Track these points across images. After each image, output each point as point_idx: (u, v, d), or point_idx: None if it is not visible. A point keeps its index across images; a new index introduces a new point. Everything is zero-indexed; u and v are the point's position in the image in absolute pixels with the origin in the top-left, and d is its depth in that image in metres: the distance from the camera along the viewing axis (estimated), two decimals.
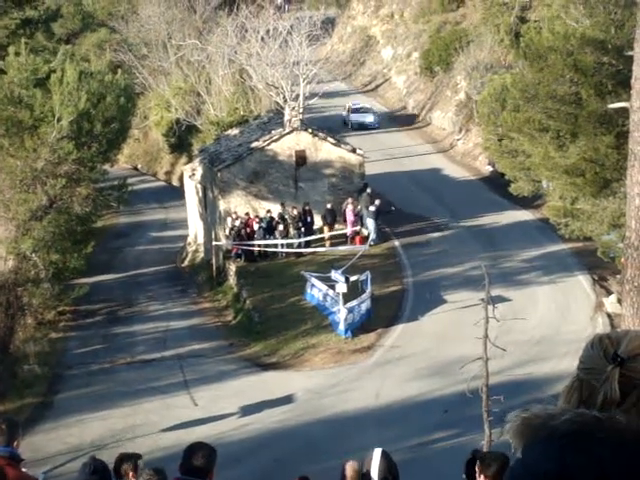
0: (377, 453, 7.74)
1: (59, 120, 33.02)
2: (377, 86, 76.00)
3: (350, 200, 42.90)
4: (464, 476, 7.76)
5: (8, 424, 7.50)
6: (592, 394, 2.93)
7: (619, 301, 28.91)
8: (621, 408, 2.89)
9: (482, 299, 22.57)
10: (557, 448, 2.89)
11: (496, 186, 47.49)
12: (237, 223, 42.19)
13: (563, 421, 2.89)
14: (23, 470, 7.70)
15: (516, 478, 3.03)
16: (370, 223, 42.69)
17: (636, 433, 2.83)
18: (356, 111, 65.43)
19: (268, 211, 42.79)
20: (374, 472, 7.63)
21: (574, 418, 2.88)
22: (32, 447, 24.29)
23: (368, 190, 43.71)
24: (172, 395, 30.29)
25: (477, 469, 7.38)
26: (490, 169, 51.66)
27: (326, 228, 42.86)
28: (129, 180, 46.11)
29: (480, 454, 7.65)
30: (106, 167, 42.10)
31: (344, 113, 65.83)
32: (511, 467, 3.12)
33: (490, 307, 21.19)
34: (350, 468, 8.24)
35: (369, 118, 64.72)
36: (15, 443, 7.48)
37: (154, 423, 27.84)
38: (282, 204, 42.91)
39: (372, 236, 42.33)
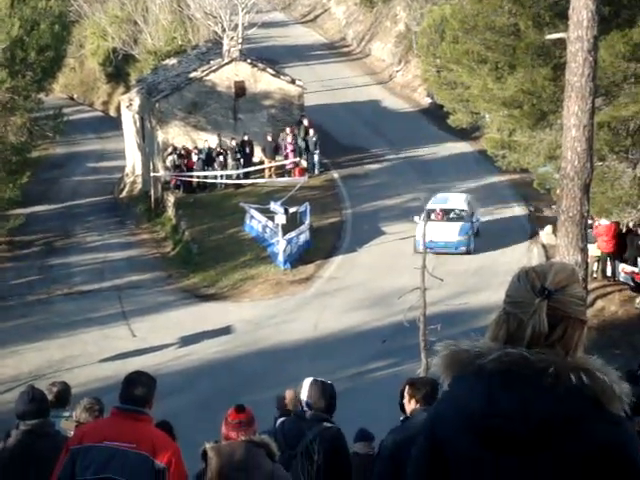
0: (307, 382, 7.90)
1: None
2: (316, 17, 75.32)
3: (288, 131, 42.75)
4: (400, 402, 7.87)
5: None
6: (520, 327, 2.98)
7: (554, 232, 29.31)
8: (548, 341, 2.95)
9: None
10: (484, 386, 2.94)
11: (435, 118, 47.58)
12: (175, 156, 41.89)
13: (491, 360, 2.94)
14: None
15: (444, 410, 3.10)
16: (312, 155, 42.73)
17: (561, 371, 2.90)
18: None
19: (206, 142, 42.50)
20: (304, 398, 7.78)
21: (502, 357, 2.93)
22: None
23: (305, 122, 43.56)
24: (110, 326, 30.22)
25: (407, 394, 7.49)
26: (429, 101, 51.70)
27: (267, 160, 42.71)
28: (65, 110, 45.45)
29: (410, 379, 7.76)
30: (41, 96, 41.40)
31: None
32: (439, 399, 3.18)
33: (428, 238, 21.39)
34: (288, 394, 8.39)
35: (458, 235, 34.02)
36: None
37: (92, 354, 27.80)
38: (218, 135, 42.62)
39: (302, 164, 42.39)
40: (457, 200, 35.67)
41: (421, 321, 20.85)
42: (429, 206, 34.24)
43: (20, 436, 7.06)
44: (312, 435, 7.46)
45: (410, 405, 7.45)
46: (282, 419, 7.98)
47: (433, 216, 33.71)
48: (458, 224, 34.19)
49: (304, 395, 7.79)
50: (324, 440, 7.46)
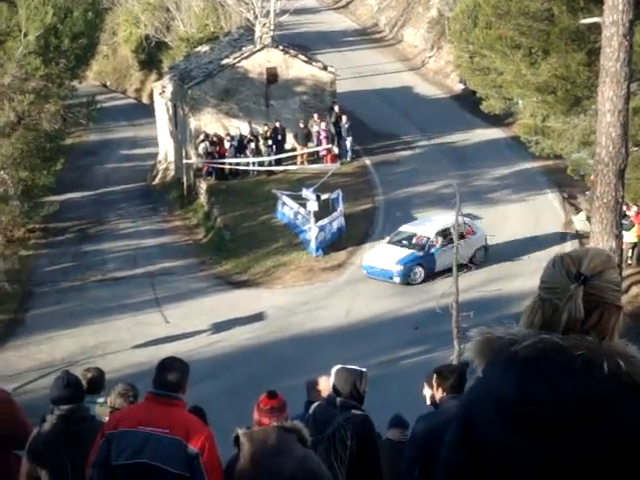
0: (334, 370, 7.90)
1: (25, 35, 32.50)
2: (348, 3, 75.08)
3: (316, 118, 42.64)
4: (424, 392, 7.84)
5: None
6: (555, 313, 2.96)
7: (588, 219, 29.15)
8: (584, 327, 2.93)
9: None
10: (517, 373, 2.93)
11: (467, 104, 47.37)
12: (207, 143, 41.98)
13: (524, 346, 2.93)
14: None
15: (475, 398, 3.09)
16: (344, 141, 42.72)
17: (596, 357, 2.88)
18: None
19: (238, 129, 42.53)
20: (336, 388, 7.78)
21: (536, 344, 2.91)
22: (3, 363, 24.42)
23: (336, 108, 43.50)
24: (143, 312, 30.39)
25: (434, 383, 7.47)
26: (461, 87, 51.47)
27: (299, 147, 42.71)
28: (98, 97, 45.63)
29: (436, 368, 7.72)
30: (74, 84, 41.61)
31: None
32: (471, 386, 3.17)
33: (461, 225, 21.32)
34: (319, 382, 8.39)
35: None
36: None
37: (125, 340, 27.97)
38: (249, 122, 42.63)
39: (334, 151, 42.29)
40: (430, 225, 31.82)
41: (454, 308, 20.81)
42: (402, 228, 32.72)
43: (55, 421, 7.11)
44: (340, 421, 7.46)
45: (438, 393, 7.44)
46: (314, 405, 7.98)
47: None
48: (403, 251, 31.34)
49: (332, 382, 7.80)
50: (351, 426, 7.46)
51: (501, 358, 2.97)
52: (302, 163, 42.34)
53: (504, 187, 38.57)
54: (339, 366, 7.97)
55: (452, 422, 3.18)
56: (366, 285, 31.11)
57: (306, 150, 42.49)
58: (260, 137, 42.27)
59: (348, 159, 42.78)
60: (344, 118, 42.87)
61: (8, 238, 37.40)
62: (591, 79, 24.29)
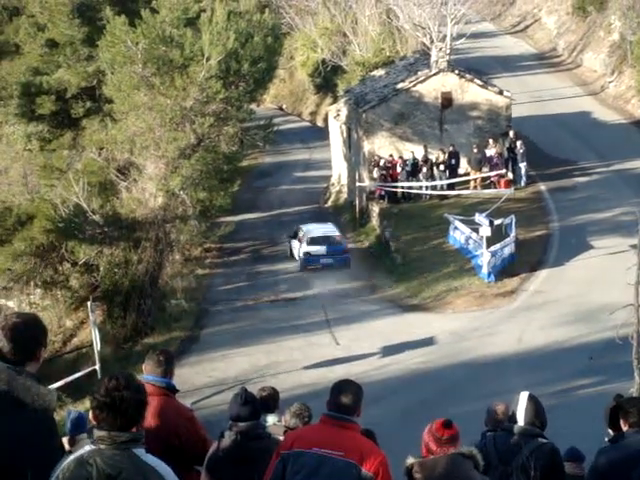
0: (524, 396, 7.67)
1: (208, 59, 33.36)
2: (526, 27, 74.26)
3: (492, 142, 42.26)
4: (609, 429, 7.61)
5: (165, 356, 7.75)
6: None
7: None
8: None
9: (633, 245, 22.05)
10: None
11: None
12: (381, 164, 42.20)
13: None
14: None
15: None
16: (519, 166, 42.22)
17: None
18: None
19: (412, 152, 42.57)
20: (520, 415, 7.57)
21: None
22: (179, 379, 24.90)
23: (511, 133, 43.02)
24: (314, 333, 30.64)
25: (620, 417, 7.24)
26: None
27: (472, 171, 42.43)
28: (274, 120, 46.50)
29: (619, 401, 7.47)
30: (252, 107, 42.49)
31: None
32: None
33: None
34: (499, 409, 8.22)
35: None
36: (171, 375, 7.76)
37: (296, 360, 28.24)
38: (425, 147, 42.63)
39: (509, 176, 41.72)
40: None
41: (634, 338, 20.14)
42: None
43: (233, 437, 7.23)
44: (528, 451, 7.29)
45: (624, 428, 7.21)
46: (492, 433, 7.83)
47: None
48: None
49: (519, 409, 7.59)
50: (540, 456, 7.28)
51: None
52: (475, 188, 42.04)
53: None
54: (527, 393, 7.78)
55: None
56: (539, 312, 30.55)
57: (480, 175, 42.17)
58: (434, 161, 42.20)
59: (522, 184, 42.23)
60: (519, 143, 42.37)
61: (186, 257, 38.48)
62: None
